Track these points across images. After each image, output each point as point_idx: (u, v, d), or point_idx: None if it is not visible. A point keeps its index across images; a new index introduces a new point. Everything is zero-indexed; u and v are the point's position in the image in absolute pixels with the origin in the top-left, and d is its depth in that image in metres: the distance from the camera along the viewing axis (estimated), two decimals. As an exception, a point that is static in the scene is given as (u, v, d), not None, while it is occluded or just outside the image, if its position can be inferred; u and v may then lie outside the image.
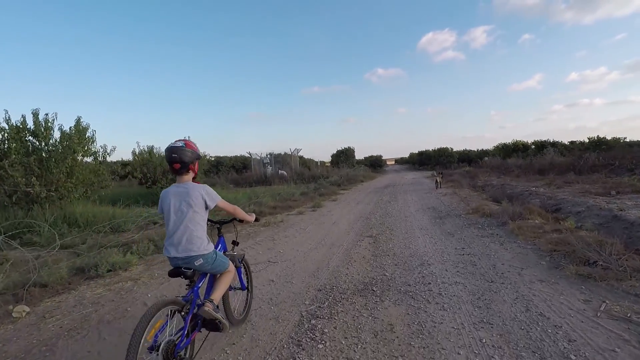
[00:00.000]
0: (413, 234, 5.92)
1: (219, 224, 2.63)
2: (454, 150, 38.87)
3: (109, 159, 10.23)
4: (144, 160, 15.15)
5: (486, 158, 34.29)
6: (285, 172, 27.26)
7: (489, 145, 76.51)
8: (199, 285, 2.21)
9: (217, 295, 2.21)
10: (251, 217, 2.60)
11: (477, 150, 41.09)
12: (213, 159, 36.57)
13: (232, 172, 31.27)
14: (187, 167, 2.16)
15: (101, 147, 9.86)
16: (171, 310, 1.90)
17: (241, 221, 2.57)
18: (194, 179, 2.25)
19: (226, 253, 2.58)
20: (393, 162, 77.33)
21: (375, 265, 4.31)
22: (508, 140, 37.99)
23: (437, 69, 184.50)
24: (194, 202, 2.11)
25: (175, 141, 2.16)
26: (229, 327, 2.28)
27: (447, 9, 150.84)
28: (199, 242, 2.10)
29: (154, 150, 15.70)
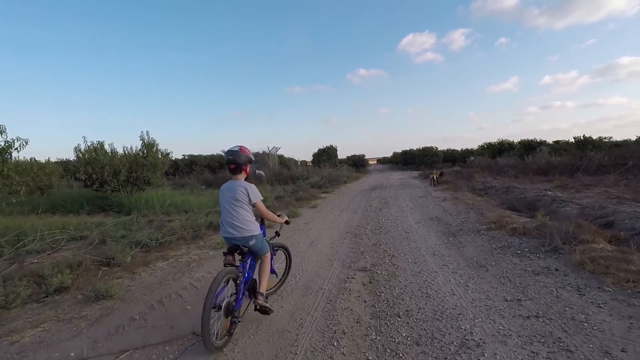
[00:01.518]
0: (425, 265, 4.05)
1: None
2: (438, 149, 37.72)
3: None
4: (90, 158, 12.61)
5: (472, 157, 33.34)
6: (262, 172, 25.01)
7: (468, 145, 76.94)
8: (247, 261, 2.64)
9: (263, 286, 2.68)
10: (281, 220, 2.96)
11: (461, 149, 40.26)
12: (186, 157, 33.99)
13: (206, 171, 28.84)
14: (240, 168, 2.67)
15: (6, 142, 7.47)
16: (229, 278, 2.40)
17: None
18: (246, 179, 2.76)
19: (267, 240, 2.93)
20: (375, 162, 76.24)
21: (381, 347, 2.38)
22: (487, 140, 37.39)
23: (417, 70, 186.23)
24: (241, 195, 2.60)
25: (233, 146, 2.67)
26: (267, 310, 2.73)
27: (427, 12, 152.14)
28: (251, 225, 2.60)
29: (105, 147, 13.13)
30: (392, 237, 5.61)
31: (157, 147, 13.27)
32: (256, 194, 2.66)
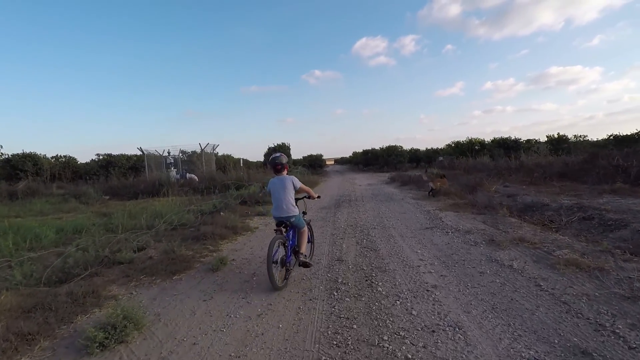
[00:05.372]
0: None
1: (295, 200, 3.78)
2: (403, 148, 33.90)
3: None
4: None
5: (441, 157, 30.01)
6: (194, 176, 19.08)
7: (420, 145, 76.14)
8: (290, 232, 3.69)
9: (302, 248, 3.72)
10: (314, 195, 4.08)
11: (426, 149, 37.02)
12: (101, 157, 26.45)
13: (129, 175, 21.85)
14: (283, 167, 3.74)
15: None
16: (279, 242, 3.42)
17: (309, 197, 4.06)
18: (287, 174, 3.80)
19: (303, 218, 3.91)
20: (333, 162, 72.47)
21: None
22: (437, 141, 35.26)
23: (371, 72, 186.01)
24: (288, 186, 3.61)
25: (276, 153, 3.78)
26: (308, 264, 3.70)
27: (378, 17, 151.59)
28: (292, 208, 3.61)
29: None
30: None
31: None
32: (297, 182, 3.69)
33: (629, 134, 22.36)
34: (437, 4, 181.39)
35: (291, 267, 3.59)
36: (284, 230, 3.63)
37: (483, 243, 4.60)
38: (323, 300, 3.12)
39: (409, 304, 2.92)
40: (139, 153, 22.14)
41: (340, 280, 3.58)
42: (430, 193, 9.64)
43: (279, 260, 3.37)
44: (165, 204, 10.75)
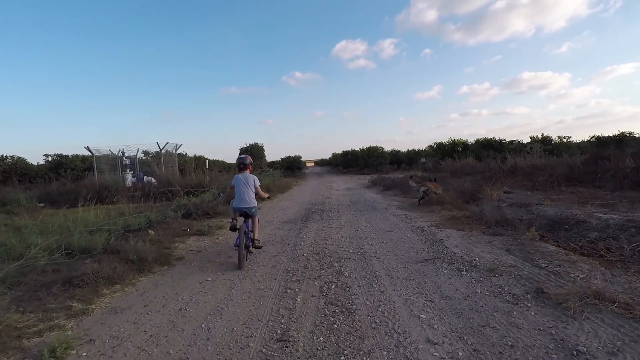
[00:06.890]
0: None
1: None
2: (384, 149, 32.38)
3: None
4: None
5: (423, 159, 28.74)
6: (153, 179, 16.66)
7: (399, 146, 76.05)
8: (248, 221, 4.29)
9: (256, 234, 4.41)
10: (265, 195, 4.68)
11: (407, 150, 35.75)
12: (51, 159, 23.27)
13: (85, 177, 18.98)
14: (247, 167, 4.43)
15: None
16: (244, 230, 4.05)
17: (256, 194, 4.46)
18: (250, 172, 4.51)
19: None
20: (313, 164, 71.20)
21: None
22: (416, 143, 34.42)
23: (350, 75, 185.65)
24: (250, 182, 4.30)
25: (242, 155, 4.52)
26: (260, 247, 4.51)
27: (358, 20, 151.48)
28: (253, 201, 4.26)
29: None
30: None
31: None
32: (257, 182, 4.40)
33: (611, 135, 21.75)
34: (414, 9, 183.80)
35: (251, 250, 4.35)
36: (242, 220, 4.25)
37: (529, 298, 2.74)
38: None
39: None
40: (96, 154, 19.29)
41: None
42: (421, 201, 7.87)
43: (245, 246, 4.06)
44: (98, 214, 8.49)
